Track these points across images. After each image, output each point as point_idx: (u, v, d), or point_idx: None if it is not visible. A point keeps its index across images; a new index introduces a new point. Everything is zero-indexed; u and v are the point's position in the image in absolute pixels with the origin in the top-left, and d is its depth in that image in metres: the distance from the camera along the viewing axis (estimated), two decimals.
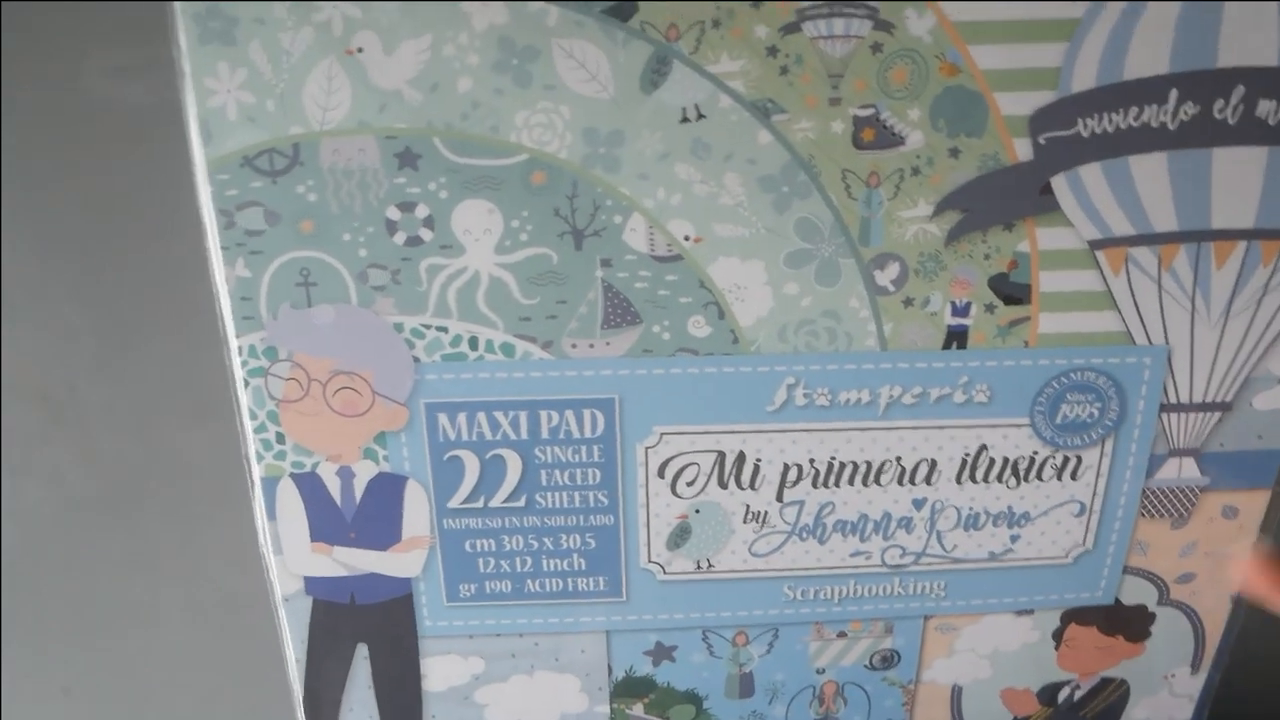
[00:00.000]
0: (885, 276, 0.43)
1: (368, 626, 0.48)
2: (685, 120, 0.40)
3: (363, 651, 0.49)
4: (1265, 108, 0.40)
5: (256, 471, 0.45)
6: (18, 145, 0.44)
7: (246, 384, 0.43)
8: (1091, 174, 0.41)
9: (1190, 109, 0.40)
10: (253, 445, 0.45)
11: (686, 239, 0.42)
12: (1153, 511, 0.47)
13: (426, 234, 0.41)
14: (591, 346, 0.43)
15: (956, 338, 0.44)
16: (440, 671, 0.49)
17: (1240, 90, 0.40)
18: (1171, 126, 0.40)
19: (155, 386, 0.49)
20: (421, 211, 0.41)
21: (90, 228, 0.46)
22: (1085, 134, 0.41)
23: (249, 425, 0.44)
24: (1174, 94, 0.40)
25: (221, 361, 0.43)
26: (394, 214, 0.41)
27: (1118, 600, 0.50)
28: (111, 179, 0.45)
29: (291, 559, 0.47)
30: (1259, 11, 0.39)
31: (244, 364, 0.43)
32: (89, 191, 0.46)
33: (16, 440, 0.50)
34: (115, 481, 0.51)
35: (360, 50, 0.39)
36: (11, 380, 0.48)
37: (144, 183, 0.45)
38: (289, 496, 0.45)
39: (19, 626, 0.54)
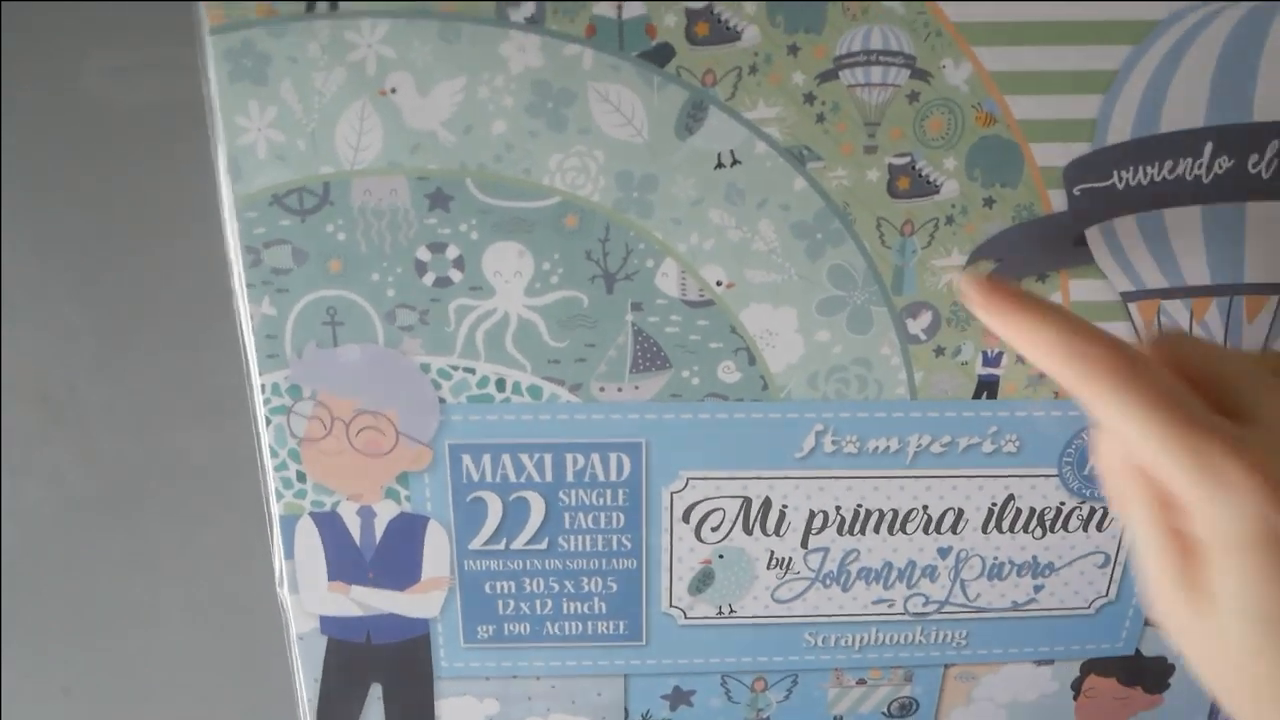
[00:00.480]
0: (917, 325, 0.42)
1: (383, 666, 0.48)
2: (720, 166, 0.40)
3: (376, 692, 0.48)
4: None
5: (275, 510, 0.44)
6: (22, 146, 0.44)
7: (269, 422, 0.43)
8: (1126, 226, 0.41)
9: (1225, 162, 0.40)
10: (273, 484, 0.44)
11: (719, 284, 0.41)
12: None
13: (456, 275, 0.41)
14: (620, 390, 0.43)
15: (987, 387, 0.43)
16: (455, 713, 0.49)
17: (1275, 145, 0.40)
18: (1206, 180, 0.40)
19: (160, 388, 0.48)
20: (452, 252, 0.41)
21: (97, 232, 0.46)
22: (1120, 186, 0.40)
23: (269, 463, 0.44)
24: (1209, 147, 0.40)
25: (235, 371, 0.43)
26: (424, 254, 0.41)
27: (1138, 651, 0.50)
28: (119, 185, 0.45)
29: (308, 598, 0.46)
30: None
31: (267, 402, 0.43)
32: (100, 198, 0.45)
33: (16, 440, 0.49)
34: (115, 481, 0.50)
35: (394, 91, 0.38)
36: (11, 380, 0.48)
37: (171, 215, 0.45)
38: (308, 535, 0.45)
39: (19, 626, 0.54)
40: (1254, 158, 0.40)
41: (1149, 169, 0.40)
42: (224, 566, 0.53)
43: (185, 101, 0.40)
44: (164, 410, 0.49)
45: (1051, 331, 0.31)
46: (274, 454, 0.44)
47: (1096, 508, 0.46)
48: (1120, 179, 0.40)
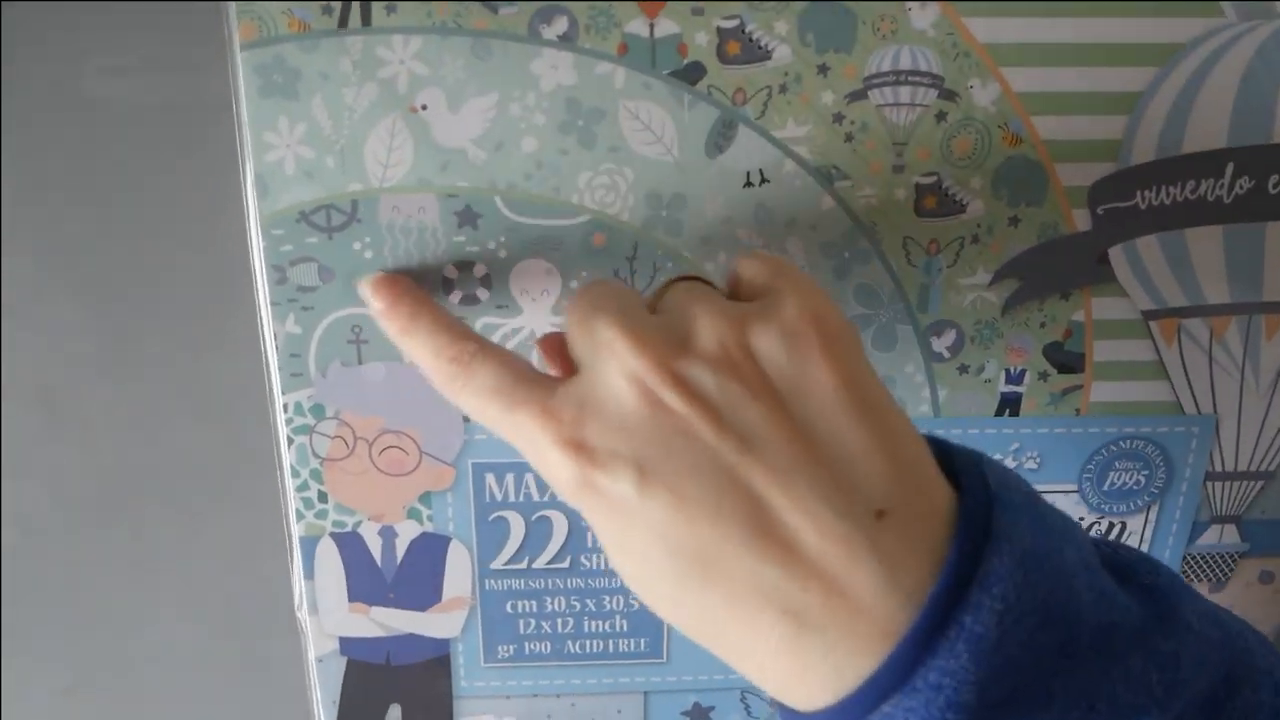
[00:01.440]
0: (941, 343, 0.43)
1: (402, 687, 0.47)
2: (749, 185, 0.40)
3: (395, 713, 0.48)
4: None
5: (295, 530, 0.44)
6: (24, 147, 0.43)
7: (291, 442, 0.43)
8: (1148, 245, 0.41)
9: (1245, 183, 0.41)
10: (293, 504, 0.44)
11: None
12: (1192, 575, 0.48)
13: (483, 293, 0.41)
14: None
15: (1009, 405, 0.44)
16: None
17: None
18: (1227, 200, 0.41)
19: (170, 394, 0.48)
20: (479, 270, 0.41)
21: (102, 235, 0.45)
22: (1143, 206, 0.41)
23: (290, 484, 0.43)
24: (1230, 168, 0.40)
25: (249, 368, 0.42)
26: (451, 272, 0.40)
27: None
28: (119, 185, 0.45)
29: (327, 620, 0.46)
30: None
31: (289, 421, 0.42)
32: (92, 191, 0.45)
33: (16, 440, 0.49)
34: (115, 481, 0.50)
35: (424, 108, 0.38)
36: (11, 380, 0.47)
37: (181, 185, 0.44)
38: (328, 556, 0.44)
39: (19, 626, 0.53)
40: (1274, 178, 0.41)
41: (1171, 189, 0.41)
42: (226, 561, 0.52)
43: (210, 108, 0.39)
44: (163, 410, 0.49)
45: (419, 339, 0.35)
46: (295, 474, 0.43)
47: (1115, 522, 0.46)
48: (1143, 199, 0.41)
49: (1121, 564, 0.31)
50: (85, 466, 0.49)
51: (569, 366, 0.33)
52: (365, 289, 0.38)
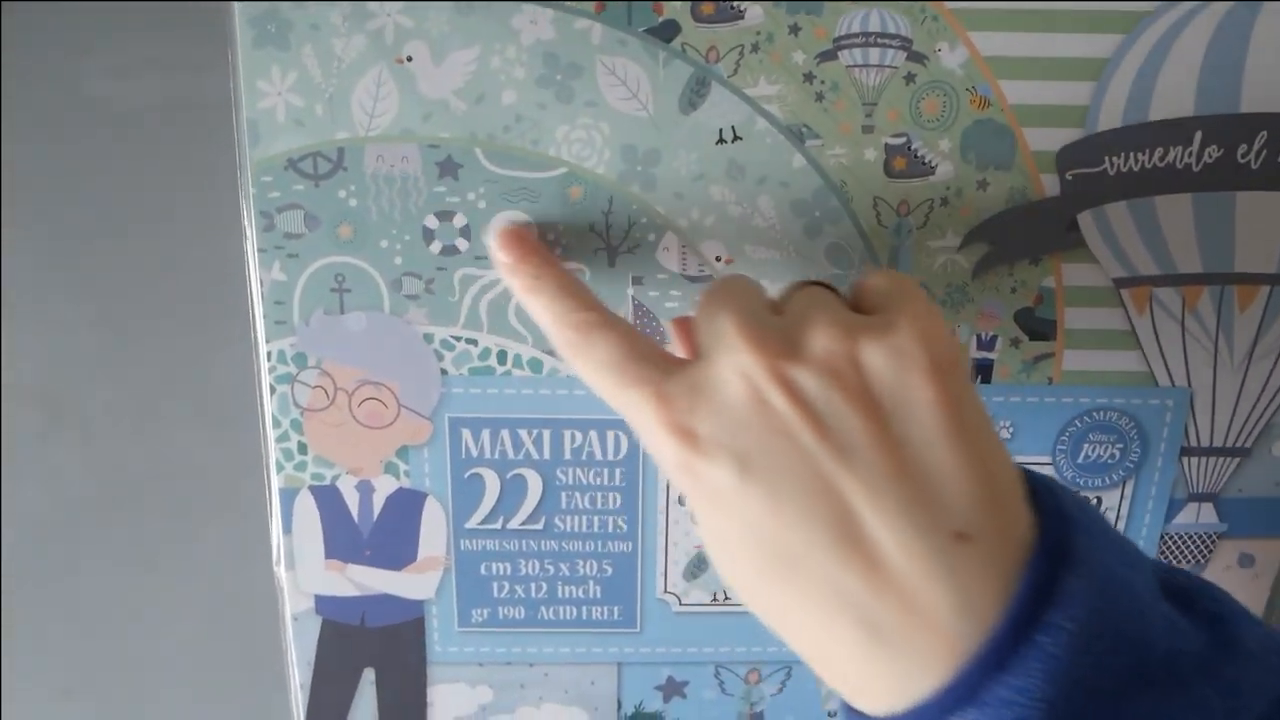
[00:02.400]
0: None
1: (377, 650, 0.47)
2: (721, 141, 0.41)
3: (369, 677, 0.48)
4: None
5: (275, 482, 0.45)
6: (23, 138, 0.45)
7: (273, 390, 0.44)
8: (1118, 212, 0.42)
9: (1214, 152, 0.41)
10: (274, 454, 0.44)
11: (718, 260, 0.42)
12: (1170, 556, 0.47)
13: (463, 244, 0.42)
14: None
15: (981, 371, 0.44)
16: (447, 700, 0.48)
17: (1263, 136, 0.41)
18: (1196, 168, 0.41)
19: (162, 382, 0.49)
20: (459, 221, 0.42)
21: (98, 226, 0.47)
22: (1112, 172, 0.41)
23: (271, 434, 0.44)
24: (1198, 136, 0.41)
25: (240, 363, 0.43)
26: (432, 222, 0.42)
27: None
28: (119, 185, 0.46)
29: (304, 576, 0.46)
30: (1277, 60, 0.40)
31: (272, 370, 0.43)
32: (93, 191, 0.46)
33: (16, 440, 0.50)
34: (115, 481, 0.51)
35: (410, 59, 0.40)
36: (11, 380, 0.48)
37: (178, 185, 0.46)
38: (306, 510, 0.45)
39: (19, 626, 0.53)
40: (1243, 148, 0.41)
41: (1140, 156, 0.41)
42: (223, 556, 0.53)
43: (238, 102, 0.41)
44: (165, 408, 0.50)
45: (543, 300, 0.37)
46: (276, 424, 0.44)
47: (1091, 496, 0.46)
48: (1112, 165, 0.41)
49: (1182, 589, 0.32)
50: (85, 466, 0.50)
51: (693, 351, 0.35)
52: (492, 240, 0.40)
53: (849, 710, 0.31)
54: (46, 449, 0.50)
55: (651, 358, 0.33)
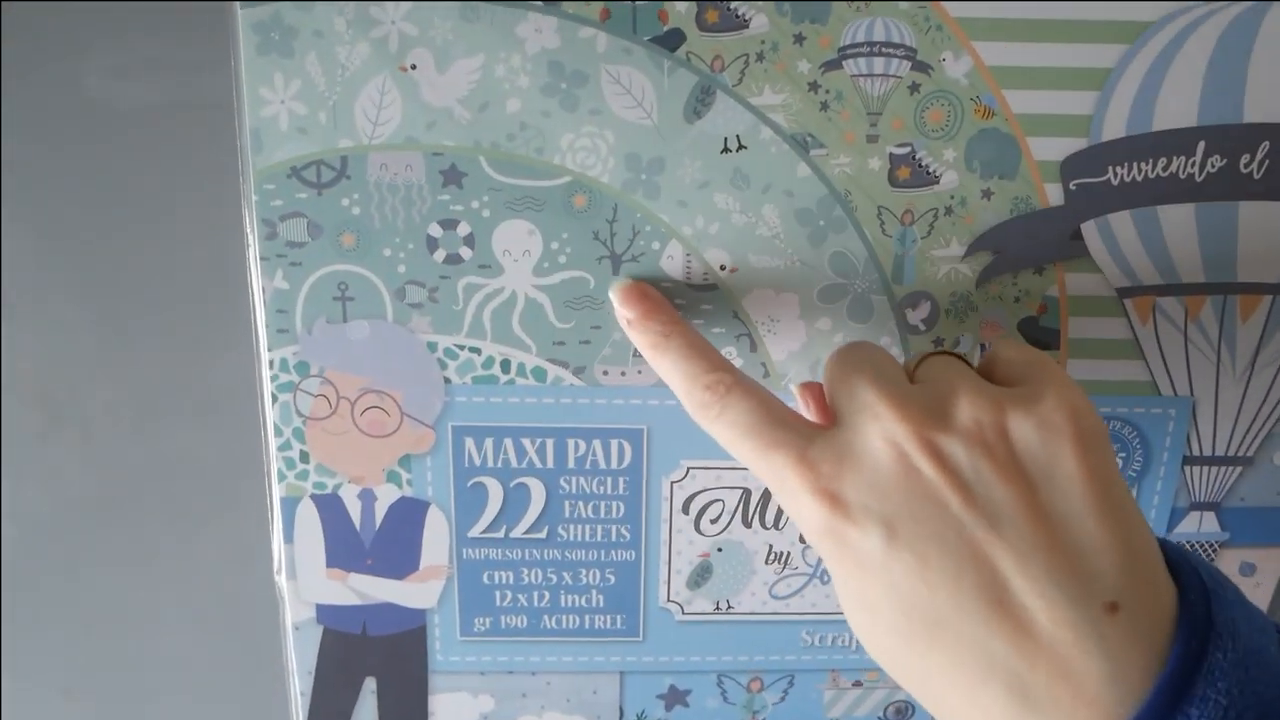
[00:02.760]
0: (916, 315, 0.43)
1: (378, 659, 0.47)
2: (726, 150, 0.41)
3: (370, 685, 0.48)
4: None
5: (276, 491, 0.45)
6: (23, 137, 0.45)
7: (275, 399, 0.43)
8: (1121, 222, 0.42)
9: (1217, 162, 0.41)
10: (275, 463, 0.44)
11: (723, 268, 0.42)
12: None
13: (466, 252, 0.42)
14: (623, 374, 0.43)
15: None
16: (449, 710, 0.48)
17: (1266, 146, 0.41)
18: (1199, 178, 0.42)
19: (162, 383, 0.49)
20: (463, 229, 0.42)
21: (98, 226, 0.46)
22: (1115, 182, 0.42)
23: (273, 443, 0.44)
24: (1201, 146, 0.41)
25: (243, 365, 0.43)
26: (435, 231, 0.42)
27: None
28: (118, 185, 0.46)
29: (305, 585, 0.46)
30: None
31: (274, 379, 0.43)
32: (92, 191, 0.46)
33: (16, 440, 0.49)
34: (115, 481, 0.50)
35: (414, 67, 0.40)
36: (11, 380, 0.48)
37: (179, 185, 0.46)
38: (308, 518, 0.45)
39: (19, 626, 0.53)
40: (1245, 158, 0.41)
41: (1143, 166, 0.41)
42: (223, 560, 0.53)
43: (240, 109, 0.41)
44: (165, 409, 0.50)
45: (670, 358, 0.37)
46: (279, 432, 0.44)
47: None
48: (1115, 175, 0.42)
49: None
50: (85, 466, 0.50)
51: (827, 415, 0.35)
52: (616, 295, 0.41)
53: None
54: (46, 449, 0.50)
55: (790, 421, 0.34)
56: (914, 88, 0.41)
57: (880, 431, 0.31)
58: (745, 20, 0.40)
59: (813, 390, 0.40)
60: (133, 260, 0.47)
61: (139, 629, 0.54)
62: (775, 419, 0.34)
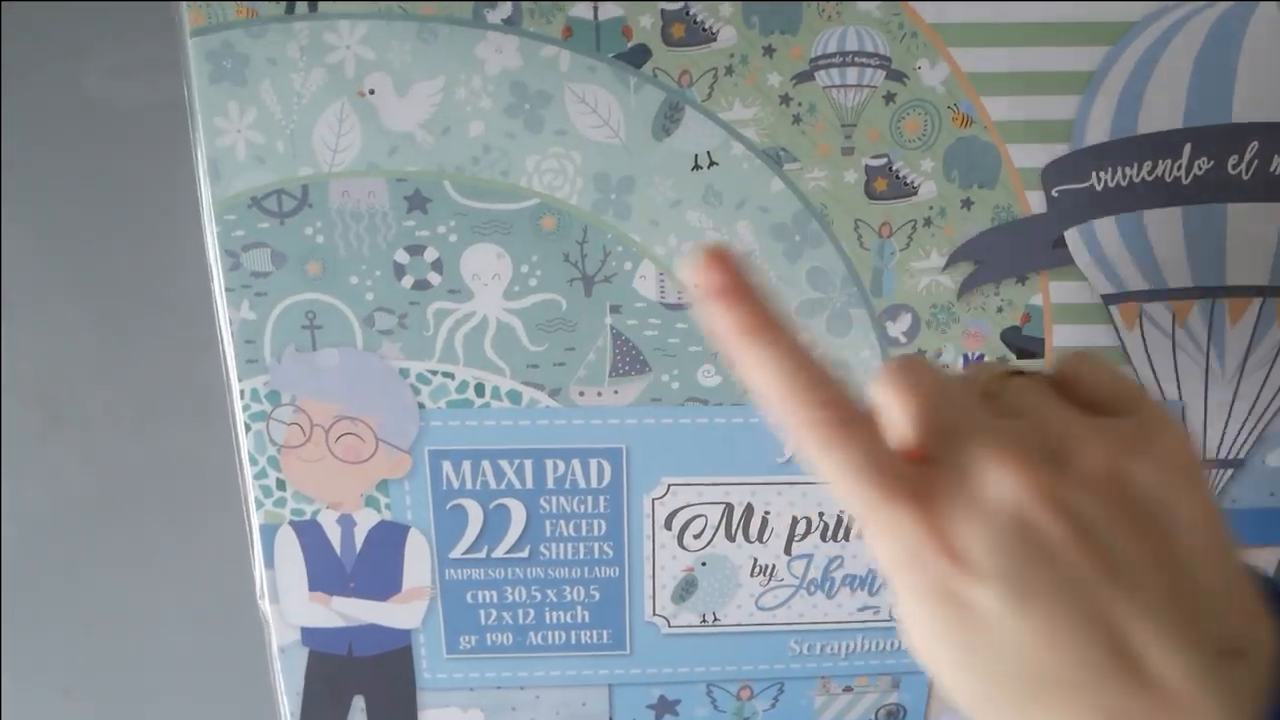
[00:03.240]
0: (897, 328, 0.42)
1: (365, 678, 0.47)
2: (697, 167, 0.40)
3: (359, 704, 0.48)
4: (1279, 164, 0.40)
5: (255, 519, 0.44)
6: (27, 146, 0.44)
7: (248, 428, 0.43)
8: (1105, 228, 0.41)
9: (1204, 164, 0.40)
10: (252, 492, 0.44)
11: (697, 286, 0.41)
12: None
13: (435, 278, 0.41)
14: (599, 395, 0.43)
15: None
16: None
17: (1254, 146, 0.40)
18: (1185, 181, 0.40)
19: (157, 388, 0.48)
20: (430, 255, 0.41)
21: (92, 228, 0.46)
22: (1099, 187, 0.40)
23: (249, 471, 0.43)
24: (1188, 148, 0.40)
25: (216, 377, 0.43)
26: (402, 257, 0.41)
27: None
28: (117, 185, 0.45)
29: (289, 609, 0.46)
30: (1274, 68, 0.39)
31: (246, 408, 0.43)
32: (91, 191, 0.45)
33: (16, 440, 0.49)
34: (115, 481, 0.50)
35: (372, 92, 0.39)
36: (11, 380, 0.48)
37: (179, 184, 0.45)
38: (288, 544, 0.45)
39: (19, 626, 0.53)
40: (1233, 159, 0.40)
41: (1128, 170, 0.40)
42: (222, 561, 0.52)
43: (171, 103, 0.40)
44: (162, 410, 0.49)
45: (771, 370, 0.31)
46: (254, 461, 0.43)
47: None
48: (1099, 180, 0.40)
49: None
50: (85, 466, 0.50)
51: (919, 448, 0.31)
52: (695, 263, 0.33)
53: None
54: (46, 449, 0.50)
55: (904, 464, 0.30)
56: (889, 97, 0.39)
57: (998, 484, 0.29)
58: (713, 33, 0.38)
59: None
60: (132, 258, 0.46)
61: (139, 629, 0.54)
62: (892, 463, 0.30)
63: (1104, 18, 0.38)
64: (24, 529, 0.51)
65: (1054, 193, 0.40)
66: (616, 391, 0.43)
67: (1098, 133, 0.40)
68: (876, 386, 0.32)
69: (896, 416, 0.31)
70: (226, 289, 0.41)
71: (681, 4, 0.38)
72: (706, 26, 0.38)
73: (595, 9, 0.38)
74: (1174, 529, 0.29)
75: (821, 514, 0.45)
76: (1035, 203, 0.41)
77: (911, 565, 0.30)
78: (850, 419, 0.30)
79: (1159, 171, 0.40)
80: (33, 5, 0.42)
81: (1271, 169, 0.40)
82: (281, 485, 0.44)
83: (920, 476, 0.30)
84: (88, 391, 0.49)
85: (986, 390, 0.33)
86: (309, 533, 0.44)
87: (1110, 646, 0.28)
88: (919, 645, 0.31)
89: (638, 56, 0.38)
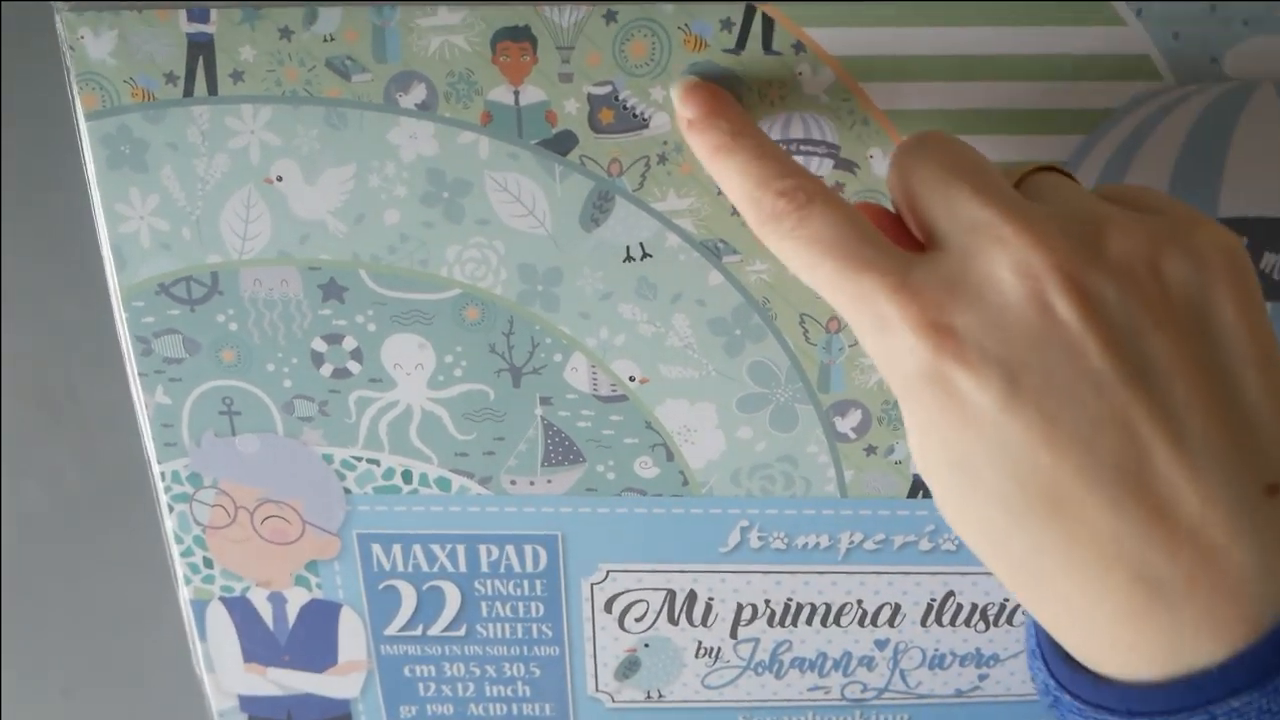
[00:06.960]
0: (846, 424, 0.39)
1: None
2: (629, 259, 0.37)
3: None
4: (1269, 261, 0.37)
5: (184, 594, 0.43)
6: (27, 144, 0.42)
7: (171, 509, 0.41)
8: None
9: None
10: (180, 569, 0.43)
11: (632, 379, 0.39)
12: None
13: (355, 366, 0.39)
14: (532, 484, 0.41)
15: (923, 487, 0.41)
16: None
17: (1244, 242, 0.36)
18: None
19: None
20: (349, 344, 0.38)
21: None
22: None
23: (175, 549, 0.42)
24: None
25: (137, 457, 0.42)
26: (320, 345, 0.38)
27: None
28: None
29: (225, 678, 0.45)
30: (1264, 161, 0.35)
31: (168, 489, 0.41)
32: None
33: (16, 440, 0.49)
34: (115, 481, 0.50)
35: (280, 179, 0.36)
36: (11, 380, 0.47)
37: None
38: (219, 619, 0.43)
39: (19, 626, 0.53)
40: None
41: None
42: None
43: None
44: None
45: (739, 159, 0.30)
46: (179, 540, 0.42)
47: None
48: None
49: None
50: (85, 466, 0.49)
51: (909, 240, 0.29)
52: (676, 93, 0.34)
53: (1072, 674, 0.27)
54: (46, 449, 0.49)
55: (885, 242, 0.27)
56: (838, 188, 0.36)
57: (1008, 259, 0.25)
58: (644, 119, 0.35)
59: (875, 212, 0.31)
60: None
61: (139, 625, 0.54)
62: (866, 236, 0.27)
63: (1078, 105, 0.35)
64: (24, 529, 0.51)
65: None
66: (550, 481, 0.41)
67: None
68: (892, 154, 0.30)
69: (904, 179, 0.29)
70: (140, 374, 0.39)
71: (610, 88, 0.35)
72: (637, 112, 0.35)
73: (516, 93, 0.35)
74: (1205, 335, 0.25)
75: (768, 601, 0.43)
76: None
77: (892, 349, 0.27)
78: (823, 192, 0.29)
79: None
80: (33, 5, 0.40)
81: (1261, 266, 0.37)
82: (209, 563, 0.42)
83: (897, 248, 0.28)
84: (88, 391, 0.47)
85: (1009, 175, 0.29)
86: (240, 609, 0.43)
87: (1126, 462, 0.24)
88: (916, 458, 0.27)
89: (563, 143, 0.35)
